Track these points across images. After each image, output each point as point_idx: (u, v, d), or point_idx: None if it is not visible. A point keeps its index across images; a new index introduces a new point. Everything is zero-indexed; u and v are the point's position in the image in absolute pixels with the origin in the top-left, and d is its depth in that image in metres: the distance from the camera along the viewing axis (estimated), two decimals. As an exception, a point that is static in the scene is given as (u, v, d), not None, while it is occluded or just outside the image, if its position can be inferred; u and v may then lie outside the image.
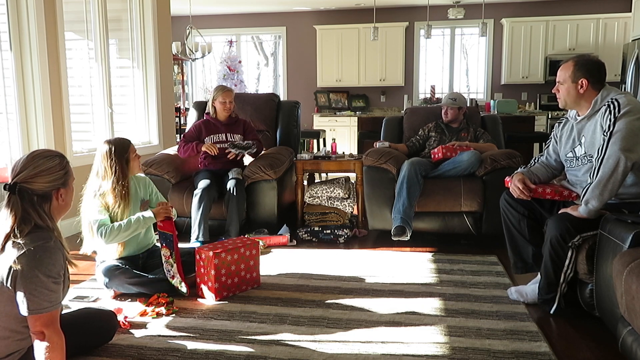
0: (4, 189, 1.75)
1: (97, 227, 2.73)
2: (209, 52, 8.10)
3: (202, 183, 3.77)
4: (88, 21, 4.58)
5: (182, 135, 4.32)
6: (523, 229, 2.73)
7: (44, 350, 1.70)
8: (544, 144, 5.98)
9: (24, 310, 1.69)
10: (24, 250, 1.68)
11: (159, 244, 3.13)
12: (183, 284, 2.76)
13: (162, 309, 2.61)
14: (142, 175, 3.15)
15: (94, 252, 2.93)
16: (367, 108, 9.21)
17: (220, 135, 4.10)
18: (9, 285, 1.69)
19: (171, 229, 2.77)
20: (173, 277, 2.77)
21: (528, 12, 8.57)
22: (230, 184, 3.80)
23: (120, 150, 2.81)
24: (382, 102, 9.26)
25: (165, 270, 2.80)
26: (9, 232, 1.72)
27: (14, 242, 1.71)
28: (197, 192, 3.74)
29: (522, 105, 8.53)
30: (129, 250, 2.91)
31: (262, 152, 4.23)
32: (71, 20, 4.37)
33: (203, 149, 3.94)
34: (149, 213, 2.80)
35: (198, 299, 2.79)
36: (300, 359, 2.13)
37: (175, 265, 2.74)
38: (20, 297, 1.68)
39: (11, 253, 1.69)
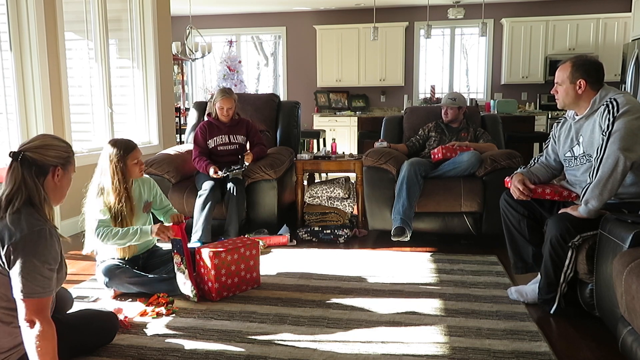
0: (9, 155, 1.82)
1: (97, 226, 2.73)
2: (209, 52, 8.10)
3: (207, 184, 3.75)
4: (88, 21, 4.59)
5: (184, 138, 4.27)
6: (523, 229, 2.73)
7: (34, 338, 1.70)
8: (543, 143, 5.97)
9: (17, 293, 1.70)
10: (21, 234, 1.70)
11: (159, 245, 3.14)
12: (195, 291, 2.75)
13: (162, 309, 2.61)
14: (147, 176, 3.14)
15: (94, 252, 2.93)
16: (367, 108, 9.21)
17: (223, 137, 4.09)
18: (5, 266, 1.72)
19: (181, 235, 2.76)
20: (185, 283, 2.76)
21: (528, 12, 8.57)
22: (231, 184, 3.79)
23: (122, 154, 2.78)
24: (382, 102, 9.26)
25: (177, 278, 2.79)
26: (7, 197, 1.78)
27: (10, 215, 1.74)
28: (203, 192, 3.72)
29: (522, 105, 8.54)
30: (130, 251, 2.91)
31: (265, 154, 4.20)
32: (71, 20, 4.37)
33: (211, 174, 3.86)
34: (147, 228, 2.78)
35: (198, 299, 2.78)
36: (300, 359, 2.13)
37: (186, 271, 2.73)
38: (14, 279, 1.70)
39: (7, 229, 1.72)
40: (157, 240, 3.16)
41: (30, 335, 1.71)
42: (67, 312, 2.26)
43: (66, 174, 1.92)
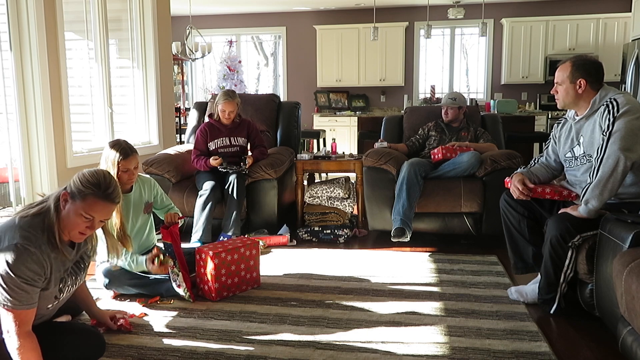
0: None
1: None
2: (209, 52, 8.10)
3: (208, 184, 3.75)
4: (88, 21, 4.58)
5: (184, 138, 4.27)
6: (523, 229, 2.73)
7: (15, 351, 1.71)
8: (544, 144, 5.98)
9: None
10: (11, 243, 1.71)
11: (160, 245, 3.14)
12: (189, 293, 2.75)
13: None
14: (147, 176, 3.13)
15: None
16: (367, 108, 9.21)
17: (224, 139, 4.09)
18: None
19: (170, 239, 2.75)
20: (179, 286, 2.76)
21: (528, 12, 8.57)
22: (232, 177, 3.79)
23: (114, 159, 2.74)
24: (382, 102, 9.26)
25: (171, 280, 2.80)
26: (38, 200, 1.87)
27: (19, 218, 1.79)
28: (203, 193, 3.72)
29: (522, 105, 8.53)
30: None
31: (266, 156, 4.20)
32: (71, 20, 4.37)
33: (212, 161, 3.90)
34: (142, 258, 2.75)
35: (198, 299, 2.79)
36: (300, 359, 2.13)
37: (180, 274, 2.73)
38: None
39: (2, 232, 1.77)
40: (157, 240, 3.17)
41: (11, 346, 1.72)
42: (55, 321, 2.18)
43: (72, 205, 1.81)
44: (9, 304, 1.70)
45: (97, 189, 1.81)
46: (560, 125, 2.76)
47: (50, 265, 1.79)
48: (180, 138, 7.56)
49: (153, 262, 2.72)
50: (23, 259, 1.71)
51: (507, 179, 2.78)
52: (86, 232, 1.86)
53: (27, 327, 1.74)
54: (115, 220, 2.75)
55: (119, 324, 2.39)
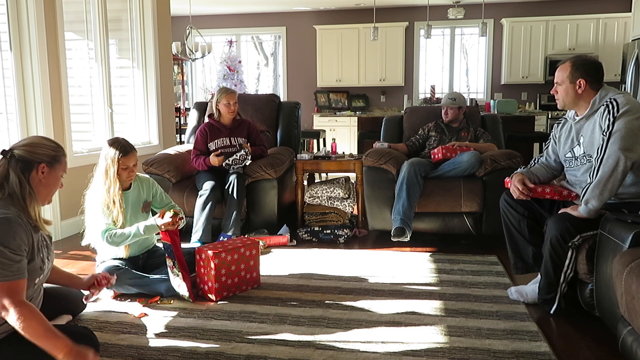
0: (0, 153, 1.92)
1: (102, 233, 2.74)
2: (208, 52, 8.10)
3: (208, 184, 3.75)
4: (88, 21, 4.59)
5: (184, 138, 4.28)
6: (523, 229, 2.73)
7: (16, 323, 1.72)
8: (544, 144, 5.98)
9: None
10: None
11: (159, 244, 3.14)
12: (189, 293, 2.75)
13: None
14: (146, 175, 3.13)
15: (94, 252, 2.93)
16: (367, 108, 9.21)
17: (224, 139, 4.08)
18: None
19: (170, 239, 2.75)
20: (179, 285, 2.76)
21: (528, 12, 8.58)
22: (232, 178, 3.79)
23: (114, 157, 2.75)
24: (382, 102, 9.26)
25: (171, 280, 2.79)
26: None
27: None
28: (203, 193, 3.72)
29: (522, 105, 8.54)
30: (130, 251, 2.91)
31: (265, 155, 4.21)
32: (71, 20, 4.37)
33: (211, 162, 3.92)
34: (151, 221, 2.77)
35: (198, 299, 2.79)
36: (300, 359, 2.13)
37: (180, 274, 2.73)
38: None
39: None
40: (157, 240, 3.17)
41: (12, 321, 1.73)
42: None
43: (52, 172, 1.97)
44: (1, 278, 1.73)
45: (62, 149, 2.03)
46: (560, 125, 2.76)
47: (32, 233, 1.87)
48: (180, 138, 7.57)
49: (162, 217, 2.72)
50: (7, 228, 1.77)
51: (507, 179, 2.78)
52: (59, 188, 2.05)
53: (20, 296, 1.76)
54: (119, 217, 2.76)
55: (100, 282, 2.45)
